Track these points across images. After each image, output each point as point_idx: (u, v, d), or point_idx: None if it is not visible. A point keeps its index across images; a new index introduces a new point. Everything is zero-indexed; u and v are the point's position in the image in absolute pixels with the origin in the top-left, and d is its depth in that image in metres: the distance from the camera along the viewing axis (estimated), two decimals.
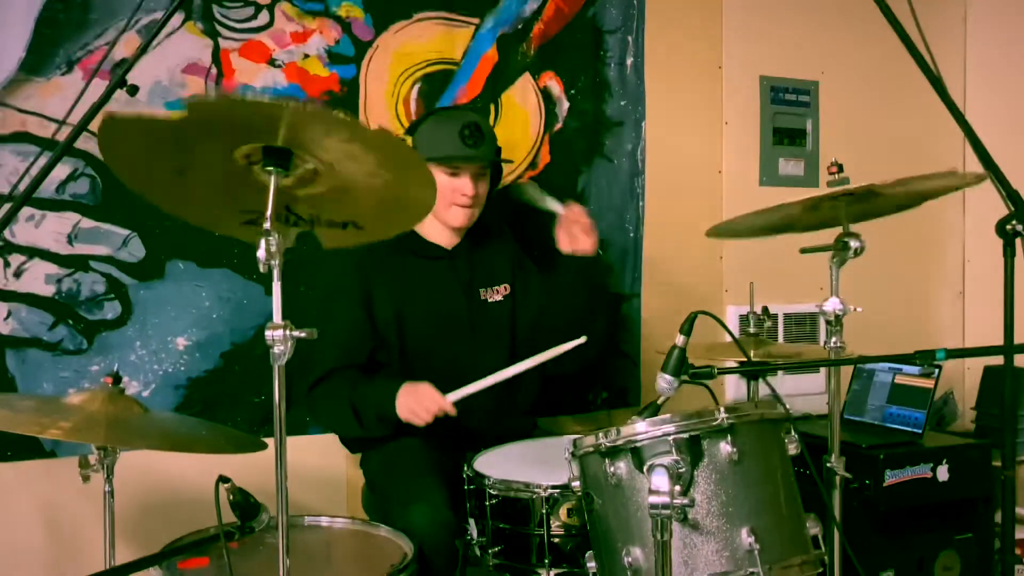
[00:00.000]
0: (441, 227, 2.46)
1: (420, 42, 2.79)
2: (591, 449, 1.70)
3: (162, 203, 1.71)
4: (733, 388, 3.27)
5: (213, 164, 1.56)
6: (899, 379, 3.01)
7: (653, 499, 1.45)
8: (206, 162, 1.57)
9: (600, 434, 1.68)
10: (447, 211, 2.40)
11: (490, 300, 2.49)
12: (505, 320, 2.50)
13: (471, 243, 2.50)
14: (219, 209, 1.69)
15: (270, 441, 1.60)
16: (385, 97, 2.75)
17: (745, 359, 2.28)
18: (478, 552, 2.06)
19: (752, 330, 2.54)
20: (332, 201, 1.65)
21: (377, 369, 2.40)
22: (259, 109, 1.54)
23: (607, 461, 1.66)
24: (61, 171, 2.39)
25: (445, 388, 2.21)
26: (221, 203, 1.66)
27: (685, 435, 1.60)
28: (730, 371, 2.07)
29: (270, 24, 2.61)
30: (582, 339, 2.23)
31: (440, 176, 2.33)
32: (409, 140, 2.41)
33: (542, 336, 2.38)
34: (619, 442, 1.64)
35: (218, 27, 2.55)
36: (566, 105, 3.00)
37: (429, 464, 2.25)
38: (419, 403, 2.18)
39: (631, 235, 3.12)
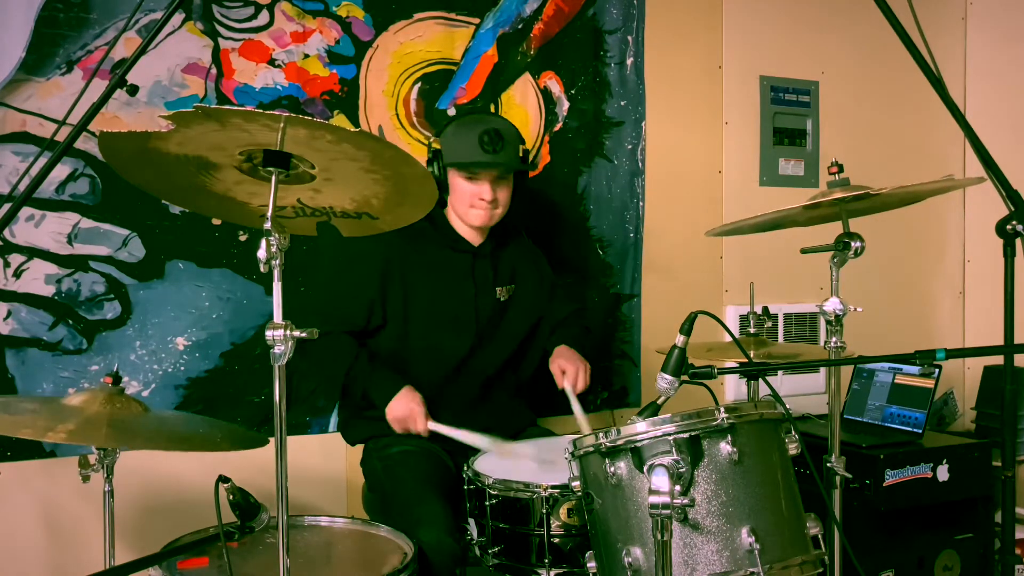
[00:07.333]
0: (465, 225, 2.49)
1: (420, 42, 2.79)
2: (591, 449, 1.70)
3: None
4: (733, 388, 3.27)
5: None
6: (899, 379, 3.01)
7: (653, 499, 1.46)
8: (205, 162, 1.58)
9: (600, 434, 1.68)
10: (467, 212, 2.43)
11: (502, 299, 2.54)
12: (506, 319, 2.54)
13: (496, 243, 2.53)
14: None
15: (270, 440, 1.60)
16: (385, 97, 2.75)
17: (745, 359, 2.28)
18: (478, 552, 2.06)
19: (752, 330, 2.54)
20: (341, 194, 1.67)
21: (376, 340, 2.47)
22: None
23: (607, 461, 1.66)
24: (61, 171, 2.39)
25: (438, 380, 2.41)
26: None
27: (685, 435, 1.60)
28: (730, 371, 2.06)
29: (270, 24, 2.61)
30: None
31: (460, 180, 2.40)
32: (436, 143, 2.43)
33: (541, 340, 2.60)
34: (619, 442, 1.64)
35: (218, 27, 2.55)
36: (566, 105, 3.00)
37: (432, 474, 2.28)
38: (408, 419, 2.30)
39: (631, 235, 3.12)
